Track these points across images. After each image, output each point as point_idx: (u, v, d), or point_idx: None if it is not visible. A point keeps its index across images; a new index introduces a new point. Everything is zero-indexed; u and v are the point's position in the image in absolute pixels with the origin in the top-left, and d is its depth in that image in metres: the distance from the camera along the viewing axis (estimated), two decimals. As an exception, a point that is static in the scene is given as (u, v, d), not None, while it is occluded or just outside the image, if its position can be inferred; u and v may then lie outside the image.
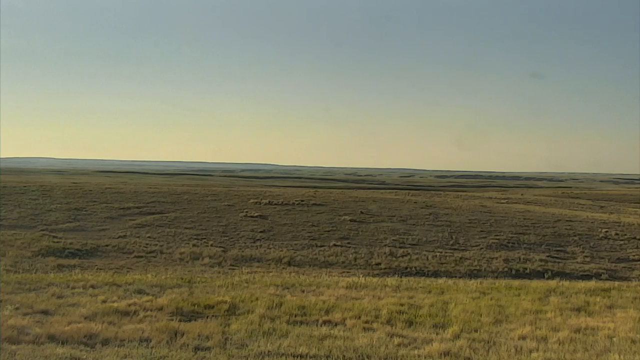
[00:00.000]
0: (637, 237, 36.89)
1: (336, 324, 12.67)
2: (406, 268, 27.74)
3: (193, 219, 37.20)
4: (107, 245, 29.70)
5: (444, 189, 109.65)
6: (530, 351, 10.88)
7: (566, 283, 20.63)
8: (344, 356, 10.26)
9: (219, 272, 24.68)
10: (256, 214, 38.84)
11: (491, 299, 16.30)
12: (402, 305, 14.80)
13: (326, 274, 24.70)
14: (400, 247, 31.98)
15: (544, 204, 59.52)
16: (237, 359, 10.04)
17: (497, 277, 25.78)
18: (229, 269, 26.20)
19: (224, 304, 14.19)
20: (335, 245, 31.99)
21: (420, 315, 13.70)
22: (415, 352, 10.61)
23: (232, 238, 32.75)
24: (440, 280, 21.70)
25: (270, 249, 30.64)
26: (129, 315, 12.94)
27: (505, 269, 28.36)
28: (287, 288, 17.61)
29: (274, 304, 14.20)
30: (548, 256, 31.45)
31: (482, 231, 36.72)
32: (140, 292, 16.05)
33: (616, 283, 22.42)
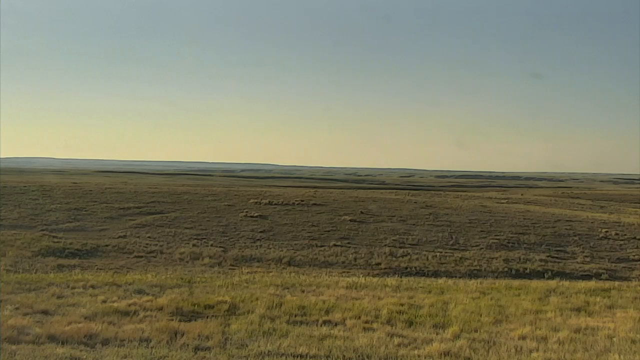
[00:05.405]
0: (637, 237, 36.89)
1: (336, 324, 12.67)
2: (406, 268, 27.74)
3: (193, 219, 37.20)
4: (107, 245, 29.70)
5: (444, 189, 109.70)
6: (530, 351, 10.88)
7: (566, 283, 20.64)
8: (344, 356, 10.25)
9: (219, 272, 24.67)
10: (256, 214, 38.86)
11: (491, 299, 16.31)
12: (402, 305, 14.80)
13: (326, 274, 24.70)
14: (400, 247, 31.98)
15: (544, 204, 59.51)
16: (237, 359, 10.04)
17: (497, 277, 25.78)
18: (229, 269, 26.20)
19: (224, 304, 14.20)
20: (335, 245, 31.99)
21: (420, 315, 13.70)
22: (415, 352, 10.60)
23: (232, 238, 32.75)
24: (440, 280, 21.72)
25: (270, 249, 30.64)
26: (129, 315, 12.95)
27: (505, 269, 28.36)
28: (287, 288, 17.62)
29: (274, 304, 14.20)
30: (548, 256, 31.45)
31: (482, 231, 36.72)
32: (140, 292, 16.06)
33: (616, 283, 22.43)
